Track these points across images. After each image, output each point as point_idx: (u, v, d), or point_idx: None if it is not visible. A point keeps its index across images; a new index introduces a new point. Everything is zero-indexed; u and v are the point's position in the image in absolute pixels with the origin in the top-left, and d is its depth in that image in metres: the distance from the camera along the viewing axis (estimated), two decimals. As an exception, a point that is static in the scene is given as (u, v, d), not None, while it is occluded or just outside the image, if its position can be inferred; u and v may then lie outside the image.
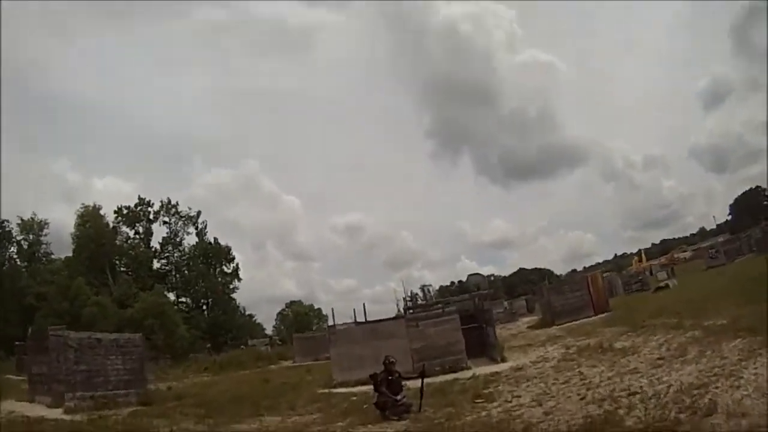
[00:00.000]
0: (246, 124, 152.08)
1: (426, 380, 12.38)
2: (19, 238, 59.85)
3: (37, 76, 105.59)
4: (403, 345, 19.15)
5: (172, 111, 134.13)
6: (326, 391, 18.07)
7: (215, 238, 71.35)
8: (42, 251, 61.26)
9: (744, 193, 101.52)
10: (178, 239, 70.72)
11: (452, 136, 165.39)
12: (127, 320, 47.71)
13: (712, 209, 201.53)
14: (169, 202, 70.80)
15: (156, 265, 69.42)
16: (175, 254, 70.57)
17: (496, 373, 15.91)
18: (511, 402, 11.36)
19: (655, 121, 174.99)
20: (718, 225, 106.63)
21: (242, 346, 51.67)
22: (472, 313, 22.89)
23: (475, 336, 20.90)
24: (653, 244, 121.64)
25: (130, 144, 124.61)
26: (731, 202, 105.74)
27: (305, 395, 17.21)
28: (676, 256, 74.28)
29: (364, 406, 12.60)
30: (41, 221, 61.05)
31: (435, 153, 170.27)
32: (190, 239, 71.20)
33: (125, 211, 67.76)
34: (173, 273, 69.82)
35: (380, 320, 21.63)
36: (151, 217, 70.17)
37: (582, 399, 10.10)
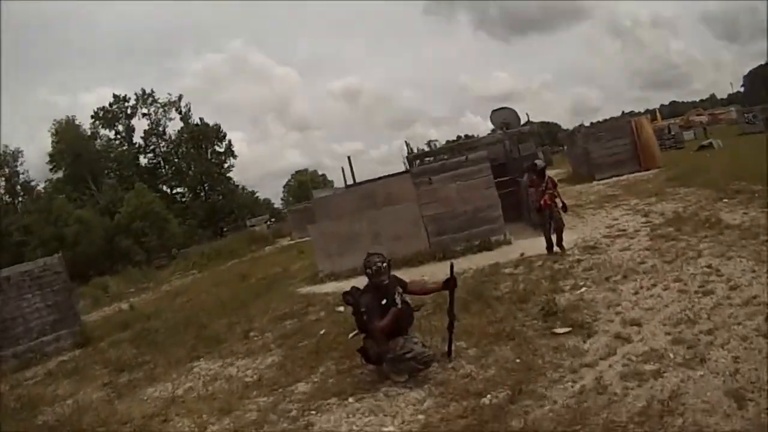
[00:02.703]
0: (227, 4, 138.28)
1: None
2: None
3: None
4: (411, 213, 13.20)
5: (145, 6, 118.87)
6: (307, 290, 12.97)
7: (201, 119, 65.24)
8: (21, 181, 56.97)
9: (761, 66, 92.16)
10: (161, 129, 64.85)
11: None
12: (114, 228, 44.77)
13: (721, 78, 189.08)
14: (144, 92, 64.10)
15: (143, 161, 64.40)
16: (161, 145, 64.92)
17: (556, 254, 10.40)
18: (631, 342, 5.56)
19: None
20: (729, 95, 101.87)
21: (246, 226, 46.37)
22: (503, 162, 16.20)
23: (509, 194, 14.75)
24: (662, 105, 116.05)
25: (107, 52, 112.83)
26: (744, 73, 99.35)
27: (277, 304, 12.07)
28: (691, 118, 67.68)
29: (351, 336, 6.64)
30: (14, 151, 56.17)
31: (428, 8, 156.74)
32: (176, 126, 65.34)
33: (101, 114, 61.94)
34: (162, 165, 64.63)
35: (377, 179, 15.05)
36: (129, 112, 63.86)
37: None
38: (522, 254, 10.76)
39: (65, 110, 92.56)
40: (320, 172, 77.29)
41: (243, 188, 68.68)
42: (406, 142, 16.05)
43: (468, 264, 10.87)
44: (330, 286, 12.50)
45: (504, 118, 15.62)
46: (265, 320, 10.64)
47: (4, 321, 12.32)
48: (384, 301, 5.31)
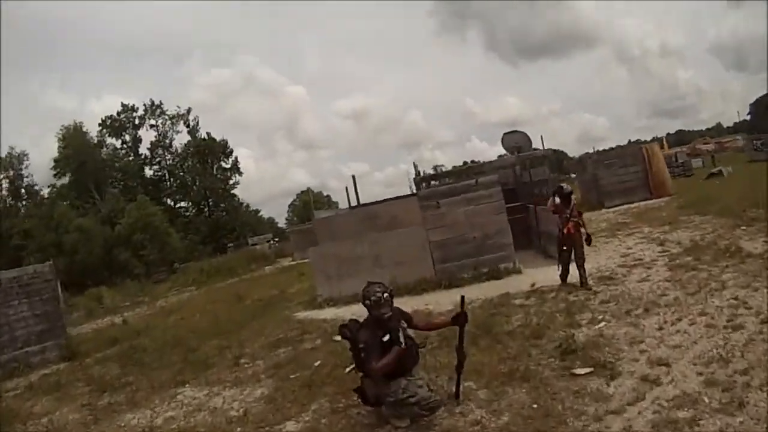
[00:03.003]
0: (238, 20, 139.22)
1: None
2: None
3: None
4: (417, 237, 12.57)
5: (157, 17, 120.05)
6: (304, 315, 12.30)
7: (208, 133, 64.80)
8: (25, 185, 56.04)
9: (767, 94, 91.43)
10: (167, 141, 64.44)
11: (457, 12, 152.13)
12: (114, 239, 44.25)
13: (729, 107, 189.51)
14: (153, 103, 63.73)
15: (148, 172, 63.78)
16: (167, 157, 64.48)
17: (571, 285, 9.70)
18: (661, 384, 4.98)
19: (673, 7, 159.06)
20: (735, 123, 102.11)
21: (248, 244, 45.80)
22: (513, 188, 15.61)
23: (518, 221, 14.12)
24: (669, 134, 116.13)
25: (117, 59, 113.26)
26: (750, 102, 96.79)
27: (271, 329, 11.41)
28: (698, 147, 67.40)
29: (348, 370, 5.84)
30: (19, 154, 55.22)
31: (441, 30, 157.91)
32: (183, 138, 64.92)
33: (108, 122, 61.35)
34: (167, 178, 63.90)
35: (382, 201, 14.48)
36: (137, 122, 63.37)
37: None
38: (533, 285, 10.14)
39: (73, 116, 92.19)
40: (325, 193, 76.65)
41: (247, 206, 68.11)
42: (414, 164, 15.66)
43: (476, 293, 10.25)
44: (328, 312, 11.87)
45: (516, 141, 15.13)
46: (257, 346, 10.00)
47: None
48: (385, 338, 4.70)
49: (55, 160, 55.41)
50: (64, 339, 12.80)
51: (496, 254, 12.04)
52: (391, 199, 14.97)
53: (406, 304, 11.27)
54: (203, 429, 6.35)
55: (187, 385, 8.30)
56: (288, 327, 11.16)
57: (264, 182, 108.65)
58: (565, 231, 9.51)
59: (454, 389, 5.20)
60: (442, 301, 10.33)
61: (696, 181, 29.16)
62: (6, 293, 12.15)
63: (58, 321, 12.93)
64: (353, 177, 14.38)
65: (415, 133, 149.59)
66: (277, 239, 47.30)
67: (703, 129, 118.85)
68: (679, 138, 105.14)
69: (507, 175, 15.83)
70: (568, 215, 9.53)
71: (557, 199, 9.65)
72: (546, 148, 12.81)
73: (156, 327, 15.24)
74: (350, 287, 12.27)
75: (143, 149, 63.54)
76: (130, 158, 61.67)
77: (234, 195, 65.39)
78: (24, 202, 54.74)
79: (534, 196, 14.06)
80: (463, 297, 5.18)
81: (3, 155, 53.52)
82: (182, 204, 63.90)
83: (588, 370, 5.50)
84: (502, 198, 12.37)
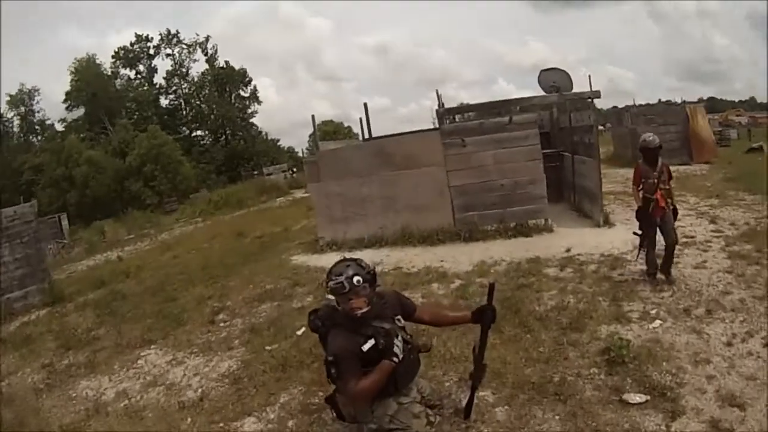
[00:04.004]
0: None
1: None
2: (10, 114, 54.11)
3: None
4: (436, 180, 11.03)
5: None
6: (302, 260, 11.16)
7: (227, 62, 62.20)
8: (36, 120, 55.48)
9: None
10: (184, 70, 61.92)
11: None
12: (125, 170, 43.31)
13: (763, 81, 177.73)
14: (169, 32, 61.14)
15: (163, 102, 61.85)
16: (183, 86, 62.15)
17: (613, 257, 8.16)
18: None
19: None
20: None
21: (263, 174, 44.77)
22: (547, 132, 13.97)
23: (551, 170, 12.15)
24: (700, 99, 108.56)
25: None
26: None
27: (262, 276, 10.33)
28: (731, 118, 63.24)
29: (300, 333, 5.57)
30: (30, 90, 54.29)
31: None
32: (200, 68, 62.53)
33: (122, 53, 59.24)
34: (183, 107, 61.92)
35: (397, 134, 12.94)
36: (152, 52, 60.98)
37: None
38: (568, 250, 8.67)
39: (88, 50, 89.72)
40: (346, 124, 74.26)
41: (266, 135, 66.18)
42: (437, 92, 13.44)
43: (501, 252, 8.93)
44: (329, 258, 10.41)
45: (554, 80, 13.11)
46: (240, 298, 8.94)
47: None
48: (366, 346, 2.99)
49: (67, 93, 54.50)
50: (47, 283, 12.11)
51: (526, 207, 10.51)
52: (408, 133, 13.28)
53: (417, 256, 10.20)
54: (151, 414, 5.38)
55: (153, 347, 7.41)
56: (280, 275, 10.08)
57: (286, 112, 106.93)
58: (656, 203, 6.65)
59: (464, 403, 3.71)
60: (459, 258, 9.05)
61: (735, 152, 26.73)
62: None
63: (41, 264, 12.24)
64: (365, 104, 12.65)
65: (439, 71, 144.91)
66: (293, 169, 45.90)
67: (736, 100, 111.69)
68: (711, 105, 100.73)
69: (542, 116, 14.04)
70: (655, 180, 6.70)
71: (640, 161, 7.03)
72: (594, 90, 10.91)
73: (147, 267, 14.33)
74: (356, 231, 11.37)
75: (158, 79, 61.68)
76: (145, 88, 59.78)
77: (252, 124, 63.78)
78: (38, 137, 54.57)
79: (573, 144, 12.32)
80: (493, 285, 3.37)
81: (14, 92, 53.38)
82: (198, 133, 62.38)
83: (643, 398, 4.17)
84: (539, 142, 10.71)
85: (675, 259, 7.00)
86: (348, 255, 10.52)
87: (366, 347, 2.94)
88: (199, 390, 5.61)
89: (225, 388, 5.51)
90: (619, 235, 8.99)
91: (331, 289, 2.98)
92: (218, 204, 30.14)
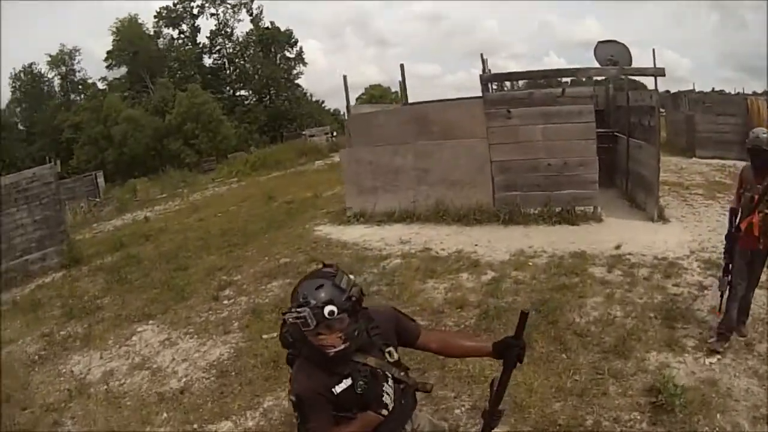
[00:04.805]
0: None
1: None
2: (51, 75, 55.18)
3: None
4: (477, 153, 10.19)
5: None
6: (326, 232, 10.60)
7: (272, 22, 62.06)
8: (78, 79, 56.36)
9: None
10: (228, 30, 62.06)
11: None
12: (165, 129, 43.79)
13: None
14: (214, -9, 62.40)
15: (207, 62, 62.03)
16: (227, 46, 62.28)
17: (668, 262, 7.10)
18: None
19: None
20: None
21: (305, 135, 44.63)
22: (602, 110, 12.76)
23: (604, 153, 10.99)
24: (755, 93, 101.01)
25: None
26: None
27: (281, 248, 9.85)
28: None
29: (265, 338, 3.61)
30: (71, 50, 55.23)
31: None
32: (245, 27, 63.24)
33: (164, 13, 59.44)
34: (226, 67, 62.03)
35: (438, 101, 12.17)
36: (195, 12, 60.94)
37: None
38: (618, 246, 7.76)
39: (129, 11, 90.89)
40: (393, 89, 73.51)
41: (311, 96, 66.03)
42: (482, 56, 12.40)
43: (543, 240, 8.15)
44: (354, 232, 10.15)
45: (612, 54, 11.93)
46: (252, 272, 8.56)
47: None
48: (338, 387, 2.21)
49: (108, 53, 55.27)
50: (66, 245, 12.24)
51: (574, 191, 9.59)
52: (448, 100, 12.42)
53: (450, 237, 9.40)
54: (129, 403, 5.12)
55: (151, 322, 7.17)
56: (299, 247, 9.64)
57: (333, 75, 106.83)
58: (743, 227, 4.70)
59: None
60: (496, 243, 8.32)
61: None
62: (2, 201, 11.58)
63: (60, 226, 12.40)
64: (401, 66, 11.79)
65: (489, 40, 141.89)
66: (334, 132, 45.60)
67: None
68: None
69: (597, 92, 12.92)
70: (756, 195, 4.64)
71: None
72: (658, 66, 9.77)
73: (169, 229, 14.26)
74: (386, 203, 10.75)
75: (202, 39, 61.80)
76: (188, 47, 60.14)
77: (297, 85, 63.49)
78: (80, 96, 55.59)
79: (630, 126, 11.25)
80: (526, 315, 2.31)
81: (54, 52, 54.57)
82: (242, 93, 62.41)
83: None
84: (594, 119, 9.73)
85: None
86: (375, 230, 10.23)
87: (338, 390, 2.23)
88: (183, 380, 5.29)
89: (209, 381, 5.14)
90: (674, 235, 8.06)
91: (290, 324, 2.19)
92: (255, 165, 29.98)
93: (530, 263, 7.37)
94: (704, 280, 6.33)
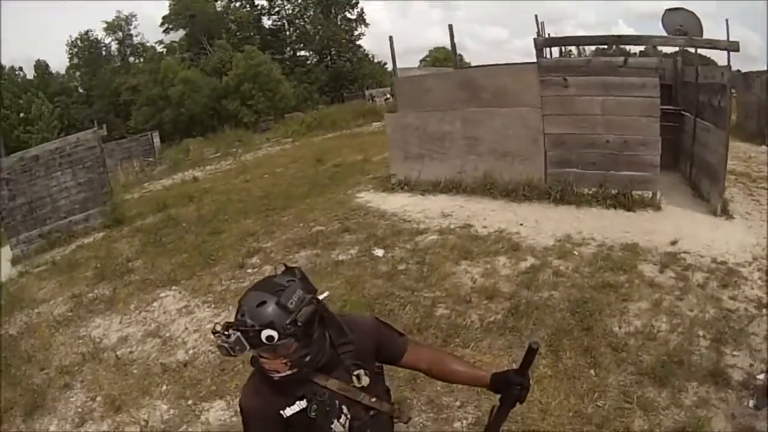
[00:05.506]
0: None
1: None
2: (108, 40, 57.29)
3: None
4: (529, 124, 9.55)
5: None
6: (367, 199, 10.32)
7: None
8: (135, 43, 58.37)
9: None
10: (287, -10, 64.08)
11: None
12: (222, 90, 44.87)
13: None
14: (273, -45, 62.98)
15: (266, 23, 62.81)
16: (287, 7, 62.76)
17: (727, 268, 6.30)
18: None
19: None
20: None
21: (365, 97, 44.59)
22: (669, 84, 11.63)
23: (668, 132, 9.90)
24: None
25: None
26: None
27: (319, 213, 9.75)
28: None
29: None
30: (128, 16, 57.24)
31: None
32: None
33: None
34: (286, 28, 62.60)
35: (490, 65, 11.65)
36: None
37: None
38: (674, 242, 7.00)
39: None
40: (459, 53, 71.87)
41: (373, 57, 65.75)
42: (536, 17, 11.46)
43: (593, 225, 7.59)
44: (396, 201, 9.85)
45: (680, 23, 10.88)
46: (284, 239, 8.50)
47: (31, 202, 12.02)
48: (294, 407, 1.92)
49: (164, 17, 56.82)
50: (108, 206, 12.86)
51: (632, 173, 8.80)
52: (500, 65, 11.79)
53: (494, 213, 8.84)
54: (135, 371, 5.28)
55: (174, 288, 7.34)
56: (335, 215, 9.46)
57: (398, 37, 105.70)
58: None
59: None
60: (542, 224, 7.80)
61: None
62: (47, 166, 12.32)
63: (103, 188, 13.00)
64: (450, 27, 11.21)
65: (557, 8, 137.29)
66: (392, 94, 45.27)
67: None
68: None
69: (664, 64, 11.86)
70: None
71: None
72: (731, 40, 8.75)
73: (214, 190, 14.50)
74: (432, 172, 10.32)
75: (260, 0, 62.29)
76: (245, 9, 60.93)
77: (359, 46, 63.53)
78: (139, 59, 57.33)
79: (698, 105, 10.24)
80: (534, 350, 1.96)
81: (110, 19, 56.31)
82: (302, 53, 62.91)
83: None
84: (658, 94, 8.81)
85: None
86: (419, 200, 9.95)
87: (289, 413, 1.96)
88: (190, 352, 5.37)
89: (213, 356, 5.14)
90: (737, 235, 7.21)
91: (219, 348, 1.81)
92: (311, 125, 30.05)
93: (575, 252, 6.80)
94: (765, 297, 5.60)
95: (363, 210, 9.61)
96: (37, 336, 6.67)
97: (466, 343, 4.88)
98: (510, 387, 1.97)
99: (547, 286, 5.89)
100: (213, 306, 6.34)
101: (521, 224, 7.98)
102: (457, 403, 4.08)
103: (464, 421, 3.90)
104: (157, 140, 29.30)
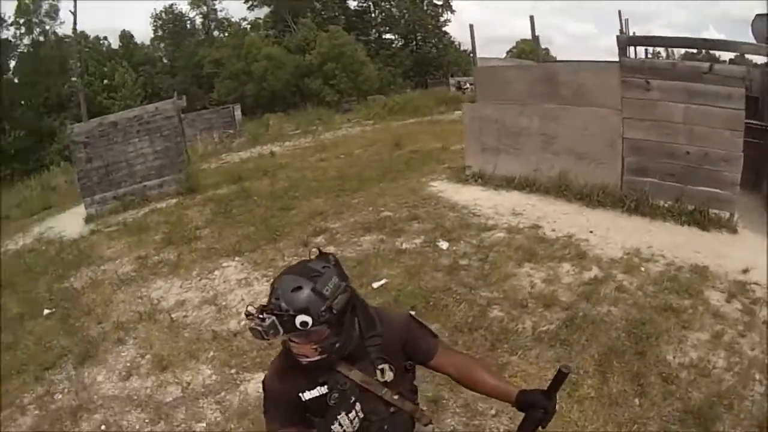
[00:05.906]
0: None
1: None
2: (192, 14, 59.08)
3: None
4: (607, 126, 9.13)
5: None
6: (440, 189, 10.17)
7: (419, -32, 62.86)
8: (220, 18, 59.91)
9: None
10: (374, -27, 64.22)
11: None
12: (305, 68, 45.39)
13: None
14: (360, -66, 63.40)
15: (352, 4, 62.60)
16: (374, -13, 65.02)
17: None
18: None
19: None
20: None
21: (449, 84, 44.43)
22: (756, 97, 10.81)
23: (751, 149, 8.86)
24: None
25: None
26: None
27: (390, 199, 9.70)
28: None
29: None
30: None
31: None
32: None
33: None
34: (372, 10, 62.63)
35: (572, 61, 11.34)
36: None
37: None
38: (746, 271, 6.38)
39: None
40: (544, 46, 70.25)
41: (459, 45, 64.60)
42: (619, 12, 10.84)
43: (664, 241, 7.15)
44: (469, 194, 9.67)
45: None
46: (351, 221, 8.60)
47: (107, 165, 12.68)
48: (314, 392, 2.00)
49: None
50: (183, 174, 13.42)
51: (711, 189, 8.15)
52: (582, 62, 11.38)
53: (566, 216, 8.49)
54: (187, 335, 5.66)
55: (237, 259, 7.63)
56: (406, 202, 9.42)
57: (486, 27, 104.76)
58: None
59: None
60: (612, 234, 7.44)
61: None
62: (125, 132, 12.92)
63: (179, 157, 13.55)
64: (531, 18, 10.94)
65: (648, 6, 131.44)
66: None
67: None
68: None
69: (752, 74, 10.96)
70: None
71: None
72: None
73: (289, 166, 14.78)
74: (506, 167, 10.03)
75: None
76: None
77: (445, 32, 62.95)
78: (223, 34, 58.45)
79: None
80: (565, 375, 1.94)
81: None
82: (388, 36, 62.69)
83: None
84: (744, 107, 8.07)
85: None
86: (492, 195, 9.86)
87: (308, 396, 2.01)
88: (242, 323, 5.47)
89: (243, 340, 5.32)
90: None
91: (252, 331, 1.85)
92: (393, 109, 29.90)
93: (642, 268, 6.43)
94: None
95: (434, 199, 9.51)
96: (99, 291, 7.16)
97: (514, 350, 4.77)
98: (534, 409, 1.94)
99: (607, 300, 5.62)
100: (271, 280, 6.41)
101: (591, 231, 7.62)
102: (492, 411, 4.01)
103: (495, 431, 3.85)
104: (238, 113, 30.01)
